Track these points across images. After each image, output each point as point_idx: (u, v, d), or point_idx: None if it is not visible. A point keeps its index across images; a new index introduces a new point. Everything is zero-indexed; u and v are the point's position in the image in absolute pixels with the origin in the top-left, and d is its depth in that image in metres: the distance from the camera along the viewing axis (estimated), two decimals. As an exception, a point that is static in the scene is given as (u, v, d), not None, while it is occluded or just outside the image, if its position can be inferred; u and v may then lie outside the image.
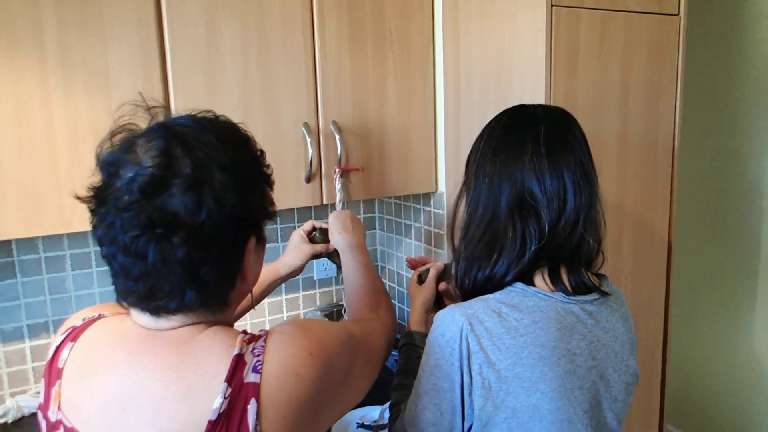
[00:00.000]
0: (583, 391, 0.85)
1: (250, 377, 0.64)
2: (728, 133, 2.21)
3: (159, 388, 0.64)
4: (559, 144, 0.89)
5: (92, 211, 0.67)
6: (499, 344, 0.81)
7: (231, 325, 0.75)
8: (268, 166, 0.79)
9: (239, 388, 0.63)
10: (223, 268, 0.68)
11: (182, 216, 0.63)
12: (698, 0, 2.19)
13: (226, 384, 0.63)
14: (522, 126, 0.92)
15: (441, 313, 0.87)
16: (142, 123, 0.72)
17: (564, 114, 0.95)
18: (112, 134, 0.70)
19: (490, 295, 0.88)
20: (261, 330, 0.71)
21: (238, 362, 0.65)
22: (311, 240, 1.36)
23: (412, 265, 1.32)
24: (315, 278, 1.93)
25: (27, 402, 1.49)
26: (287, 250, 1.34)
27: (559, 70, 1.26)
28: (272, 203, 0.78)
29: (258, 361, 0.65)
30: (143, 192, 0.62)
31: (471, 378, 0.82)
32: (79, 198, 0.68)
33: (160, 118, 0.72)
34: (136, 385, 0.65)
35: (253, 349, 0.67)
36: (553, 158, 0.87)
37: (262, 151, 0.78)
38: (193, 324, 0.70)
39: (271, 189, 0.79)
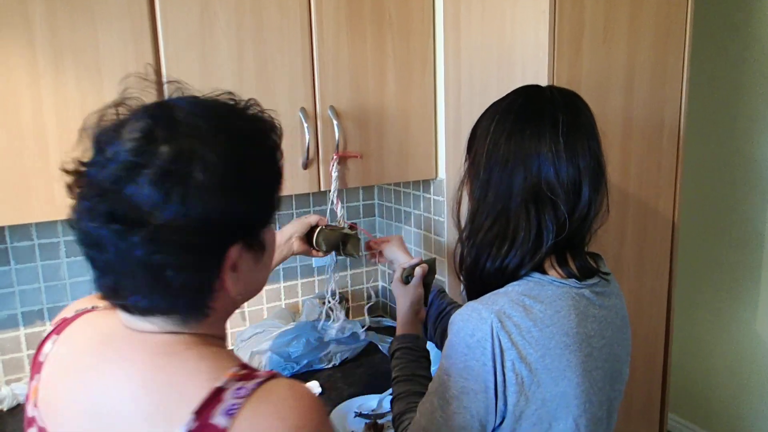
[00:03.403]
0: (599, 371, 0.86)
1: (218, 419, 0.54)
2: (735, 118, 2.17)
3: (131, 408, 0.58)
4: (577, 133, 0.85)
5: (69, 188, 0.60)
6: (528, 338, 0.80)
7: (222, 338, 0.67)
8: (280, 166, 0.67)
9: (204, 427, 0.54)
10: (194, 276, 0.59)
11: (145, 211, 0.55)
12: (706, -18, 2.14)
13: (194, 416, 0.54)
14: (540, 111, 0.87)
15: (464, 312, 0.83)
16: (150, 99, 0.65)
17: (579, 100, 0.92)
18: (110, 107, 0.61)
19: (510, 288, 0.85)
20: (264, 371, 0.60)
21: (215, 396, 0.55)
22: (316, 241, 1.34)
23: (370, 247, 1.37)
24: (313, 266, 1.91)
25: (22, 390, 1.48)
26: (283, 232, 1.31)
27: (563, 55, 1.22)
28: (275, 207, 0.67)
29: (235, 405, 0.55)
30: (113, 178, 0.55)
31: (504, 376, 0.80)
32: (65, 171, 0.61)
33: (172, 95, 0.64)
34: (110, 399, 0.59)
35: (239, 388, 0.56)
36: (572, 148, 0.84)
37: (276, 148, 0.66)
38: (176, 333, 0.62)
39: (278, 190, 0.67)
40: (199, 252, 0.58)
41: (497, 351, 0.79)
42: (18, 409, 1.46)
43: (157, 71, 1.26)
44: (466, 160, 0.94)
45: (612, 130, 1.34)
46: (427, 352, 1.11)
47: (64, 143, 1.17)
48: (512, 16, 1.28)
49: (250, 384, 0.57)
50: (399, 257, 1.35)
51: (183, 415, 0.54)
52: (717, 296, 2.35)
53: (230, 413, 0.54)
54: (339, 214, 1.49)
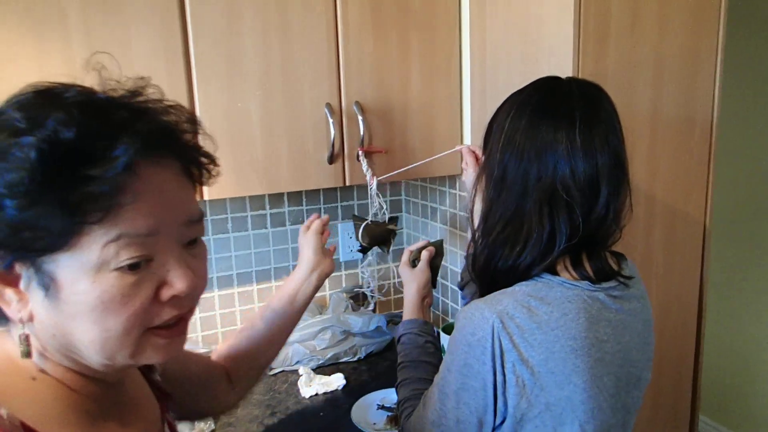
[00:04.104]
0: (611, 377, 0.83)
1: None
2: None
3: None
4: (595, 129, 0.82)
5: None
6: (531, 340, 0.78)
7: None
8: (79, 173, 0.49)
9: None
10: None
11: None
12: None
13: None
14: (557, 106, 0.84)
15: (468, 310, 0.83)
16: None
17: (600, 92, 0.88)
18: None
19: (517, 288, 0.83)
20: None
21: None
22: (361, 236, 1.36)
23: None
24: (341, 260, 1.93)
25: None
26: (306, 265, 1.12)
27: (588, 48, 1.20)
28: (35, 229, 0.49)
29: None
30: None
31: (504, 376, 0.79)
32: None
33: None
34: None
35: None
36: (589, 145, 0.81)
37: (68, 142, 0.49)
38: None
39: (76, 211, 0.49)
40: None
41: (497, 351, 0.78)
42: None
43: (187, 69, 1.30)
44: (482, 155, 0.93)
45: (639, 124, 1.31)
46: (434, 336, 1.10)
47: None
48: (537, 10, 1.27)
49: None
50: None
51: None
52: (756, 299, 2.27)
53: None
54: (379, 207, 1.48)
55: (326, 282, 1.92)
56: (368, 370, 1.62)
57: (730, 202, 2.23)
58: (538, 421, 0.80)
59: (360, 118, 1.44)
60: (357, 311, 1.80)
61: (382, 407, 1.40)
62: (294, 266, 1.84)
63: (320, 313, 1.78)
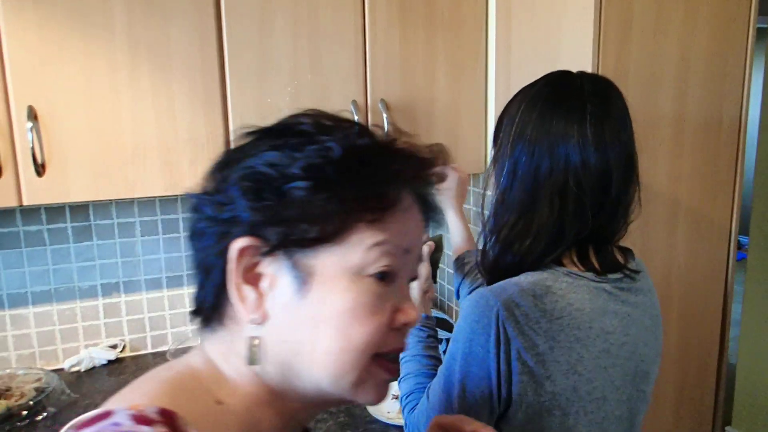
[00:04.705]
0: (617, 368, 0.84)
1: None
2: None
3: None
4: (606, 123, 0.82)
5: None
6: (536, 328, 0.79)
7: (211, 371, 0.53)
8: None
9: None
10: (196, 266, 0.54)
11: None
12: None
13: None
14: (567, 99, 0.85)
15: (473, 299, 0.83)
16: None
17: (611, 88, 0.88)
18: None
19: (523, 277, 0.84)
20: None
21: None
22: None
23: None
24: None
25: (98, 354, 1.64)
26: None
27: (609, 47, 1.21)
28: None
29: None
30: None
31: (509, 365, 0.79)
32: None
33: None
34: None
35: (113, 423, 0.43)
36: (600, 139, 0.81)
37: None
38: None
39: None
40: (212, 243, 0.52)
41: (502, 339, 0.79)
42: (93, 371, 1.62)
43: (221, 66, 1.37)
44: (493, 148, 0.95)
45: (661, 125, 1.31)
46: (435, 330, 1.12)
47: (138, 127, 1.31)
48: (561, 10, 1.28)
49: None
50: (443, 203, 1.31)
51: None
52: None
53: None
54: None
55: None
56: (388, 363, 1.66)
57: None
58: (543, 409, 0.80)
59: (385, 115, 1.48)
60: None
61: (396, 397, 1.43)
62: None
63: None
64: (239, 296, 0.50)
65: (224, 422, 0.50)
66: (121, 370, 1.63)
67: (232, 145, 0.55)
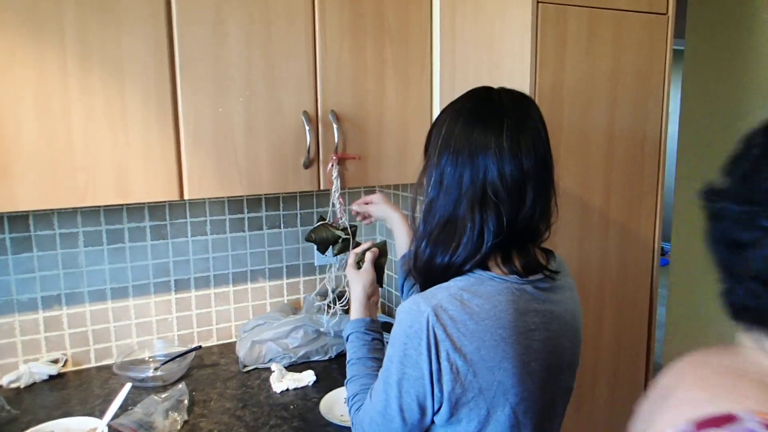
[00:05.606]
0: (539, 362, 0.91)
1: None
2: (731, 134, 2.23)
3: None
4: (522, 135, 0.90)
5: None
6: (463, 330, 0.86)
7: None
8: None
9: None
10: None
11: None
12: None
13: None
14: (487, 114, 0.92)
15: (406, 305, 0.90)
16: None
17: (528, 102, 0.96)
18: None
19: (451, 283, 0.91)
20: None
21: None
22: (307, 235, 1.42)
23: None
24: (315, 264, 2.00)
25: (39, 368, 1.58)
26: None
27: (546, 64, 1.31)
28: None
29: None
30: None
31: (440, 365, 0.86)
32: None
33: None
34: None
35: None
36: (516, 150, 0.89)
37: None
38: None
39: None
40: None
41: (432, 341, 0.86)
42: (33, 387, 1.56)
43: (172, 75, 1.38)
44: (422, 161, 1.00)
45: (596, 141, 1.42)
46: (380, 333, 1.18)
47: (89, 137, 1.29)
48: (500, 28, 1.38)
49: None
50: (388, 213, 1.42)
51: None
52: (715, 317, 2.38)
53: None
54: (340, 212, 1.57)
55: (301, 285, 1.99)
56: (338, 368, 1.68)
57: (691, 220, 2.36)
58: (473, 405, 0.88)
59: (335, 125, 1.53)
60: (329, 312, 1.86)
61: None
62: (269, 269, 1.92)
63: (294, 314, 1.84)
64: None
65: None
66: (63, 384, 1.58)
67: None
